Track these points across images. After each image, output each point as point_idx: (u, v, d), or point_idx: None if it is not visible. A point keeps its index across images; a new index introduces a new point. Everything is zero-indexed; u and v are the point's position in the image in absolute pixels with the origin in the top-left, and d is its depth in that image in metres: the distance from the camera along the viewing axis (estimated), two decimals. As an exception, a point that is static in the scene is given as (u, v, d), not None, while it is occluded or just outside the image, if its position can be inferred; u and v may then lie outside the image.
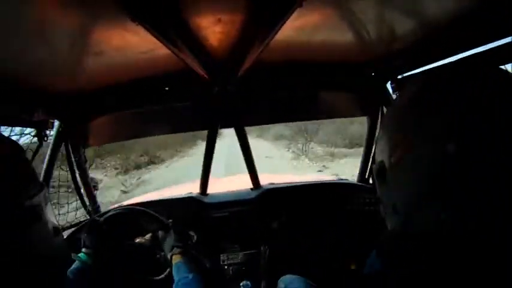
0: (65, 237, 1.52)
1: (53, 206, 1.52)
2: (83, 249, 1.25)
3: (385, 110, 1.68)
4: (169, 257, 1.34)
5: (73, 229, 1.62)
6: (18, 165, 0.75)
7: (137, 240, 1.46)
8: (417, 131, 0.49)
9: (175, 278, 1.23)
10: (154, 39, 0.90)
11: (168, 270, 1.38)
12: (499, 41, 0.92)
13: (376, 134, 1.77)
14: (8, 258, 0.66)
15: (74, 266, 1.18)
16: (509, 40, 0.90)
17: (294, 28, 1.00)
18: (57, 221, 0.86)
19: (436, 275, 0.47)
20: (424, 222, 0.49)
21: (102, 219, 1.41)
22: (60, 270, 0.88)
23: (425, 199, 0.48)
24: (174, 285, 1.20)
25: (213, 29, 0.94)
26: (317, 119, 2.11)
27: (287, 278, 1.31)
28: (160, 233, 1.46)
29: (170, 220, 1.47)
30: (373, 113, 1.77)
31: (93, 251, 1.25)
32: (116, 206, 1.87)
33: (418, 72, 1.31)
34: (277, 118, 1.93)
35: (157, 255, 1.45)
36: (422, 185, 0.48)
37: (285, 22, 0.86)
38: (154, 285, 1.39)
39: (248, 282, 1.65)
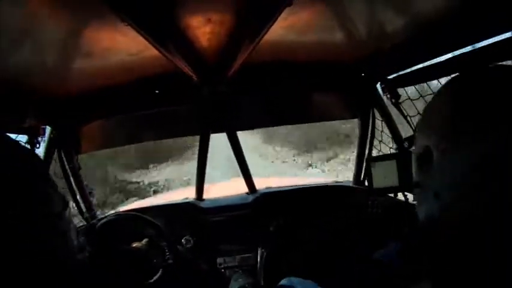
0: None
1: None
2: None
3: (376, 111, 1.68)
4: None
5: None
6: (28, 158, 0.72)
7: (134, 245, 1.46)
8: (477, 120, 0.47)
9: None
10: (144, 41, 0.89)
11: (160, 273, 1.37)
12: (490, 40, 0.92)
13: (368, 136, 1.77)
14: (16, 256, 0.66)
15: None
16: (499, 39, 0.90)
17: (284, 27, 1.01)
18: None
19: (475, 267, 0.46)
20: (469, 212, 0.48)
21: (99, 224, 1.41)
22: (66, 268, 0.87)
23: (475, 189, 0.46)
24: None
25: (203, 29, 0.94)
26: (309, 122, 2.11)
27: (295, 279, 1.31)
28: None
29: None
30: (364, 115, 1.76)
31: (89, 253, 1.26)
32: (113, 212, 1.87)
33: (408, 72, 1.31)
34: (269, 122, 1.93)
35: (154, 260, 1.44)
36: (474, 175, 0.47)
37: (275, 21, 0.86)
38: (149, 286, 1.39)
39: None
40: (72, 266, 0.76)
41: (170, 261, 1.45)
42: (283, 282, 1.24)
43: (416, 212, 0.61)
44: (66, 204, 0.75)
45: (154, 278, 1.39)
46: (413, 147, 0.61)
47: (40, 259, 0.66)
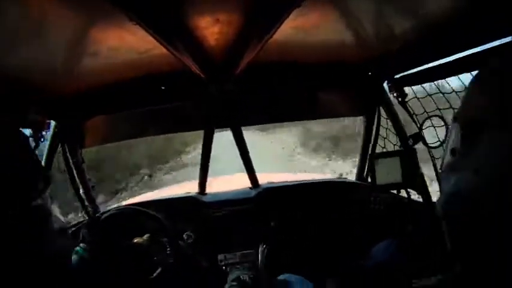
0: None
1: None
2: (81, 244, 1.27)
3: (382, 110, 1.68)
4: None
5: (73, 229, 1.63)
6: (29, 159, 0.74)
7: (135, 240, 1.47)
8: None
9: None
10: (151, 39, 0.89)
11: (160, 269, 1.39)
12: (497, 41, 0.92)
13: (373, 133, 1.77)
14: (16, 255, 0.67)
15: (72, 258, 1.20)
16: (505, 40, 0.90)
17: (292, 28, 1.01)
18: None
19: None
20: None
21: (103, 217, 1.42)
22: (64, 267, 0.89)
23: None
24: None
25: (211, 29, 0.93)
26: (314, 118, 2.12)
27: (285, 276, 1.32)
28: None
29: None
30: (370, 113, 1.77)
31: (90, 246, 1.27)
32: (116, 205, 1.88)
33: (415, 72, 1.31)
34: (274, 118, 1.93)
35: (155, 256, 1.45)
36: None
37: (283, 22, 0.86)
38: (149, 284, 1.40)
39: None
40: (53, 247, 0.77)
41: (171, 257, 1.46)
42: (280, 277, 1.26)
43: (442, 182, 0.58)
44: (48, 180, 0.76)
45: (155, 273, 1.40)
46: (457, 113, 0.56)
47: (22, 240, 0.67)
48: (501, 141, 0.47)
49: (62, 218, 0.85)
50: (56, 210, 0.82)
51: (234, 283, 1.45)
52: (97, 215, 1.48)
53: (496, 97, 0.48)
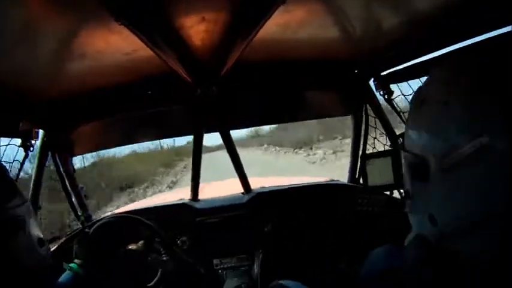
0: (57, 246, 1.52)
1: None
2: (75, 260, 1.25)
3: (369, 108, 1.70)
4: None
5: (65, 238, 1.60)
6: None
7: (130, 247, 1.45)
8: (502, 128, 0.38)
9: None
10: (137, 40, 0.89)
11: (159, 274, 1.37)
12: (482, 36, 0.94)
13: (362, 132, 1.78)
14: None
15: (66, 275, 1.18)
16: (491, 35, 0.92)
17: (278, 25, 1.01)
18: (42, 234, 0.89)
19: None
20: (470, 250, 0.42)
21: (91, 230, 1.39)
22: (46, 280, 0.89)
23: (483, 224, 0.40)
24: None
25: (197, 28, 0.94)
26: (303, 119, 2.12)
27: (281, 281, 1.31)
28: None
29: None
30: (358, 112, 1.78)
31: (84, 261, 1.25)
32: (108, 214, 1.85)
33: (401, 69, 1.32)
34: (262, 120, 1.93)
35: (150, 262, 1.44)
36: (485, 205, 0.40)
37: (268, 19, 0.87)
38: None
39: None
40: (30, 259, 0.80)
41: (166, 262, 1.44)
42: (276, 282, 1.25)
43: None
44: (24, 200, 0.79)
45: (154, 281, 1.38)
46: (402, 150, 0.54)
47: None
48: (449, 184, 0.43)
49: (39, 231, 0.87)
50: (34, 224, 0.85)
51: (236, 281, 1.44)
52: (86, 228, 1.45)
53: (454, 136, 0.43)
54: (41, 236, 0.87)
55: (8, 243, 0.73)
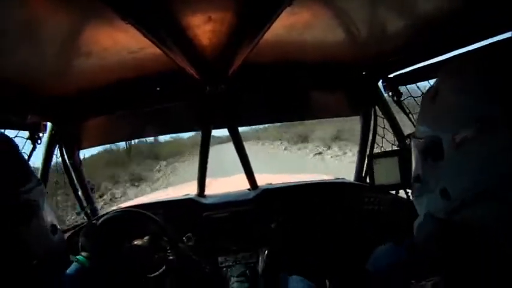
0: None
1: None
2: (82, 253, 1.26)
3: (377, 109, 1.69)
4: None
5: (71, 231, 1.62)
6: (14, 161, 0.78)
7: (135, 242, 1.46)
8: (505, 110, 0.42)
9: None
10: (144, 39, 0.90)
11: (163, 268, 1.38)
12: (490, 39, 0.93)
13: (370, 133, 1.77)
14: (4, 253, 0.68)
15: (72, 267, 1.20)
16: (499, 38, 0.90)
17: (284, 27, 1.01)
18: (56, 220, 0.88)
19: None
20: (481, 216, 0.45)
21: (99, 222, 1.41)
22: (58, 267, 0.89)
23: (493, 191, 0.43)
24: None
25: (204, 27, 0.93)
26: (310, 119, 2.11)
27: (286, 276, 1.31)
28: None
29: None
30: (366, 112, 1.78)
31: (90, 254, 1.26)
32: (114, 208, 1.87)
33: (410, 71, 1.31)
34: (270, 118, 1.93)
35: (156, 258, 1.45)
36: (494, 174, 0.43)
37: (274, 20, 0.87)
38: (151, 284, 1.40)
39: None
40: (44, 245, 0.78)
41: (172, 259, 1.45)
42: (282, 277, 1.25)
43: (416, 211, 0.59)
44: (38, 182, 0.78)
45: (157, 273, 1.39)
46: (413, 140, 0.58)
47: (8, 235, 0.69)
48: (460, 157, 0.47)
49: (54, 218, 0.85)
50: (48, 209, 0.83)
51: (240, 278, 1.45)
52: (93, 220, 1.47)
53: (464, 110, 0.47)
54: (55, 223, 0.85)
55: (20, 229, 0.72)
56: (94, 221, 1.44)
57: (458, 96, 0.48)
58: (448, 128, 0.48)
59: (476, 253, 0.47)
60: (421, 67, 1.23)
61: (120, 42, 1.00)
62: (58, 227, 0.85)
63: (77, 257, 1.23)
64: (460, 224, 0.47)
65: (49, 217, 0.82)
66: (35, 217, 0.76)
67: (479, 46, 0.95)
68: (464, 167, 0.47)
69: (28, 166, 0.83)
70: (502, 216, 0.43)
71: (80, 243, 1.30)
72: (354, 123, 1.86)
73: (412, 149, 0.59)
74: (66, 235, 1.58)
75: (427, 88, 1.31)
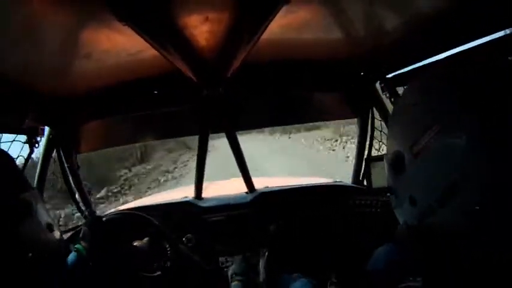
0: None
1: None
2: (81, 242, 1.26)
3: (375, 110, 1.69)
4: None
5: (71, 233, 1.61)
6: (9, 173, 0.82)
7: (135, 244, 1.47)
8: (449, 118, 0.47)
9: None
10: (142, 40, 0.90)
11: (161, 272, 1.39)
12: (488, 37, 0.93)
13: (368, 135, 1.77)
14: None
15: (71, 256, 1.20)
16: (497, 36, 0.90)
17: (282, 26, 1.01)
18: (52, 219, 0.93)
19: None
20: (446, 218, 0.48)
21: (105, 218, 1.42)
22: (55, 264, 0.92)
23: (450, 192, 0.46)
24: None
25: (201, 28, 0.94)
26: (309, 121, 2.11)
27: (288, 276, 1.31)
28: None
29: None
30: (364, 114, 1.77)
31: (90, 245, 1.27)
32: (114, 210, 1.86)
33: (407, 71, 1.31)
34: (268, 122, 1.93)
35: (155, 259, 1.45)
36: (450, 176, 0.46)
37: (272, 19, 0.87)
38: (151, 284, 1.40)
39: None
40: (40, 243, 0.84)
41: (172, 260, 1.45)
42: (283, 277, 1.25)
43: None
44: (31, 188, 0.85)
45: (154, 274, 1.40)
46: (385, 157, 0.62)
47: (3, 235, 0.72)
48: (419, 166, 0.51)
49: (50, 215, 0.90)
50: (42, 209, 0.88)
51: (240, 277, 1.45)
52: (99, 215, 1.47)
53: (416, 129, 0.52)
54: (50, 221, 0.89)
55: (19, 227, 0.76)
56: (100, 215, 1.44)
57: (414, 110, 0.54)
58: (407, 140, 0.53)
59: (443, 255, 0.50)
60: (419, 67, 1.24)
61: (118, 45, 1.00)
62: (53, 225, 0.90)
63: (76, 246, 1.23)
64: (428, 229, 0.51)
65: (44, 217, 0.88)
66: (30, 219, 0.81)
67: (475, 45, 0.97)
68: (424, 175, 0.50)
69: (20, 173, 0.90)
70: (459, 220, 0.47)
71: (82, 232, 1.30)
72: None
73: (385, 165, 0.64)
74: (68, 234, 1.58)
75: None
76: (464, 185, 0.45)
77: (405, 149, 0.53)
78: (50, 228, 0.88)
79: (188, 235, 1.66)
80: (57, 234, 0.92)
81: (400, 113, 0.58)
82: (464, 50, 1.01)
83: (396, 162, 0.55)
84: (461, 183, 0.45)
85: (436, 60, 1.09)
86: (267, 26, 0.90)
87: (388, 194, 0.62)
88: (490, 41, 0.92)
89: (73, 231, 1.61)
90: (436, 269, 0.52)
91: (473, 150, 0.44)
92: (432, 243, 0.51)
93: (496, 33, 0.90)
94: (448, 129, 0.47)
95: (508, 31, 0.88)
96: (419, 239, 0.53)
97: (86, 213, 1.76)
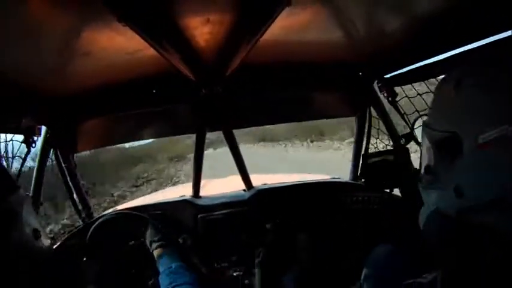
0: (60, 243, 1.53)
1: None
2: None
3: (373, 110, 1.71)
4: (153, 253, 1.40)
5: (67, 235, 1.61)
6: None
7: (131, 243, 1.47)
8: None
9: (160, 270, 1.29)
10: (141, 40, 0.89)
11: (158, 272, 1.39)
12: (486, 39, 0.93)
13: (365, 133, 1.79)
14: None
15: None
16: (495, 38, 0.91)
17: (282, 28, 1.01)
18: (40, 224, 0.87)
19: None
20: (495, 221, 0.44)
21: (96, 223, 1.44)
22: (42, 271, 0.88)
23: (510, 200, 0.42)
24: (159, 278, 1.25)
25: (201, 29, 0.93)
26: (306, 120, 2.11)
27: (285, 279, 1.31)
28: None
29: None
30: (361, 113, 1.79)
31: (88, 245, 1.28)
32: (110, 211, 1.86)
33: (405, 72, 1.32)
34: (266, 120, 1.93)
35: (151, 259, 1.45)
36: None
37: (273, 21, 0.87)
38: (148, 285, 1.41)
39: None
40: (24, 251, 0.78)
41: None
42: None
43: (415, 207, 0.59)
44: (16, 188, 0.78)
45: (152, 277, 1.40)
46: (425, 129, 0.56)
47: None
48: (483, 158, 0.45)
49: (36, 223, 0.84)
50: (28, 214, 0.82)
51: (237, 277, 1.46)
52: (90, 220, 1.46)
53: (489, 115, 0.46)
54: (37, 227, 0.82)
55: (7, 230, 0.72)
56: (91, 221, 1.44)
57: (486, 94, 0.47)
58: (471, 126, 0.47)
59: (481, 255, 0.46)
60: (417, 68, 1.25)
61: (117, 44, 0.99)
62: (39, 231, 0.84)
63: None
64: (471, 225, 0.47)
65: (30, 222, 0.81)
66: (13, 223, 0.75)
67: (477, 46, 0.97)
68: (485, 170, 0.45)
69: (5, 172, 0.83)
70: None
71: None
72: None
73: (423, 137, 0.57)
74: (64, 238, 1.58)
75: (421, 89, 1.34)
76: None
77: (466, 135, 0.47)
78: (35, 235, 0.81)
79: (184, 235, 1.66)
80: (44, 241, 0.85)
81: (465, 88, 0.49)
82: (461, 52, 1.02)
83: (449, 144, 0.49)
84: None
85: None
86: (268, 28, 0.90)
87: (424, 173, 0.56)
88: (488, 43, 0.93)
89: (69, 234, 1.61)
90: (464, 265, 0.48)
91: None
92: (470, 239, 0.47)
93: (495, 36, 0.91)
94: None
95: (508, 32, 0.88)
96: (456, 232, 0.49)
97: (84, 214, 1.76)
